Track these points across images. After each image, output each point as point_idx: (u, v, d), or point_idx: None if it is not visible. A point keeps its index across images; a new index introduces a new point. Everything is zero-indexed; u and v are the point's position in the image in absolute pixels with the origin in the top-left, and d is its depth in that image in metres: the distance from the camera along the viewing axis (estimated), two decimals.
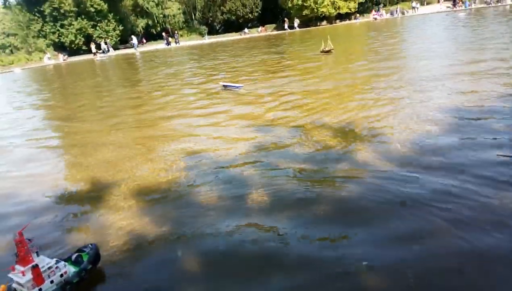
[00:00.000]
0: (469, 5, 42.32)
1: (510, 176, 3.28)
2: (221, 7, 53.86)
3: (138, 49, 43.41)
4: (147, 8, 53.74)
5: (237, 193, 3.66)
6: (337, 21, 48.69)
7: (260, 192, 3.60)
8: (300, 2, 45.18)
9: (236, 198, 3.59)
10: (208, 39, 50.25)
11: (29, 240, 3.57)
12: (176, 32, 50.90)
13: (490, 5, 39.72)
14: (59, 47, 45.14)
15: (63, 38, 45.06)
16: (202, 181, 4.12)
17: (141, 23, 54.70)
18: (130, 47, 45.81)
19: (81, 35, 45.56)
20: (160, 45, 46.55)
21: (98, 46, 44.43)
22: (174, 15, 55.93)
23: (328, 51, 13.89)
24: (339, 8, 45.50)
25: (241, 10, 52.64)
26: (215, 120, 6.84)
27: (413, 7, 49.35)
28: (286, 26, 47.31)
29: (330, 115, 5.93)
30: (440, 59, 10.09)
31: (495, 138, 4.20)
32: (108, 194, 3.99)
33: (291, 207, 3.33)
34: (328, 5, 44.69)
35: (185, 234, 3.17)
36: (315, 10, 45.02)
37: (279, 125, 5.82)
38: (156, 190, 4.02)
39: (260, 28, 49.77)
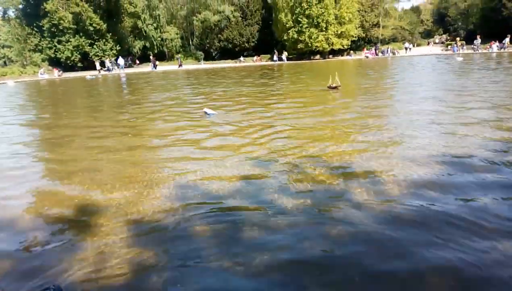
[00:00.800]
0: (457, 50, 44.10)
1: (496, 217, 3.58)
2: (219, 35, 55.18)
3: (123, 70, 43.45)
4: (146, 30, 54.73)
5: (231, 232, 3.82)
6: (330, 56, 50.22)
7: (254, 228, 3.78)
8: (295, 36, 46.58)
9: (230, 235, 3.74)
10: (203, 64, 51.11)
11: None
12: (179, 56, 51.60)
13: (477, 51, 41.42)
14: (55, 62, 45.30)
15: (59, 54, 45.31)
16: (189, 215, 4.22)
17: (138, 44, 55.59)
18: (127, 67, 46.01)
19: (78, 52, 45.89)
20: (147, 68, 46.95)
21: (103, 64, 44.72)
22: (172, 39, 57.02)
23: (335, 88, 13.79)
24: (332, 44, 47.00)
25: (238, 39, 54.01)
26: (205, 151, 6.96)
27: (406, 48, 51.27)
28: (275, 57, 48.45)
29: (324, 150, 6.16)
30: (435, 102, 10.54)
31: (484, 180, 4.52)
32: (85, 225, 4.05)
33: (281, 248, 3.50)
34: (322, 40, 46.14)
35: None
36: (310, 44, 46.42)
37: (272, 159, 5.99)
38: (139, 223, 4.11)
39: (255, 58, 50.92)
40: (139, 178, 5.56)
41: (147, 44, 56.11)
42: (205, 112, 11.19)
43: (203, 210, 4.35)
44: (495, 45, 41.08)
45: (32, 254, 3.62)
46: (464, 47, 45.39)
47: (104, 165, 6.37)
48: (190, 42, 60.47)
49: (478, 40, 42.58)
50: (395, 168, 5.29)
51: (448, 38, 68.52)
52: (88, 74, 39.27)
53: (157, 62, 46.96)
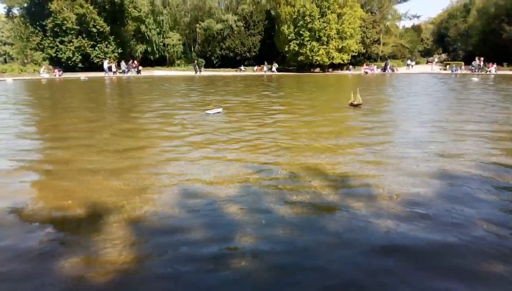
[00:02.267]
0: (455, 70, 44.65)
1: (490, 236, 3.65)
2: (221, 43, 55.54)
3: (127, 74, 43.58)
4: (149, 35, 55.03)
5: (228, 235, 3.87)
6: (330, 70, 50.65)
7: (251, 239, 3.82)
8: (296, 48, 47.02)
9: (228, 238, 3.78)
10: (204, 72, 51.35)
11: None
12: (195, 61, 51.46)
13: (475, 72, 41.94)
14: (55, 62, 45.35)
15: (61, 54, 45.35)
16: (187, 221, 4.27)
17: (140, 48, 55.82)
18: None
19: (79, 53, 45.97)
20: (155, 71, 47.07)
21: (118, 65, 44.89)
22: (173, 45, 57.25)
23: (357, 105, 13.11)
24: (333, 58, 47.45)
25: (240, 49, 54.41)
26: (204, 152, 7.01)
27: (408, 65, 51.91)
28: (265, 68, 48.84)
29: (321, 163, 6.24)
30: (437, 122, 10.68)
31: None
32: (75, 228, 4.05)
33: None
34: (322, 54, 46.59)
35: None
36: (310, 57, 46.84)
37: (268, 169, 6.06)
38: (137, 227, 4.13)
39: (256, 68, 51.26)
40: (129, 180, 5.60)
41: (149, 49, 56.35)
42: (207, 113, 11.83)
43: (194, 214, 4.45)
44: (493, 67, 41.62)
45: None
46: (463, 67, 45.99)
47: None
48: (192, 49, 60.79)
49: (476, 62, 43.16)
50: (391, 184, 5.36)
51: (447, 58, 69.40)
52: (83, 75, 39.25)
53: (140, 67, 46.32)
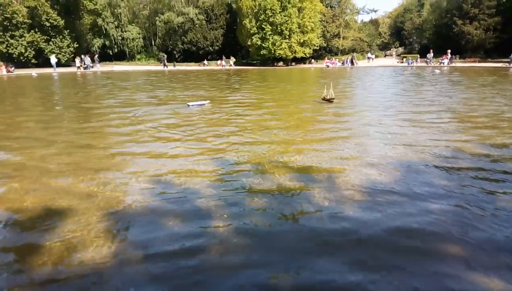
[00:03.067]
0: (411, 63, 46.44)
1: (445, 222, 3.87)
2: (182, 37, 54.67)
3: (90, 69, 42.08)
4: (106, 29, 53.19)
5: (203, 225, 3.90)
6: (293, 63, 51.22)
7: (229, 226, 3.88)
8: (259, 42, 47.11)
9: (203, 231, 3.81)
10: (172, 66, 50.37)
11: None
12: (165, 56, 49.88)
13: (430, 64, 43.80)
14: (7, 58, 42.85)
15: (12, 49, 42.84)
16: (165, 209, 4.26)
17: (97, 42, 53.88)
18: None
19: (32, 49, 43.61)
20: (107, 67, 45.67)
21: (82, 60, 43.15)
22: (133, 39, 55.73)
23: (330, 100, 12.94)
24: (295, 52, 47.99)
25: (202, 42, 53.82)
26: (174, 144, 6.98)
27: (368, 58, 53.43)
28: (223, 63, 48.95)
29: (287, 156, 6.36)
30: (399, 111, 11.07)
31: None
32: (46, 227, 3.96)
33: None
34: (285, 48, 46.98)
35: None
36: (273, 51, 47.11)
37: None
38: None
39: (219, 62, 50.92)
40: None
41: (107, 43, 54.50)
42: (188, 105, 12.23)
43: (168, 207, 4.48)
44: (446, 59, 43.68)
45: None
46: (418, 60, 47.90)
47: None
48: (153, 43, 59.48)
49: (431, 54, 45.11)
50: (353, 174, 5.54)
51: (404, 51, 72.05)
52: (33, 72, 37.42)
53: (92, 63, 44.42)
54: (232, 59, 50.01)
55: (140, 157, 6.94)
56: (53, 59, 40.58)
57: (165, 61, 47.45)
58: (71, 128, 10.02)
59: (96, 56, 47.40)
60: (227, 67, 48.06)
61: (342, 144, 7.59)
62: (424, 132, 8.54)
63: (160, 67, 46.86)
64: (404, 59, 50.06)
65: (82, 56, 44.00)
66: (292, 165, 6.17)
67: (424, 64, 45.13)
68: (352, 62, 48.54)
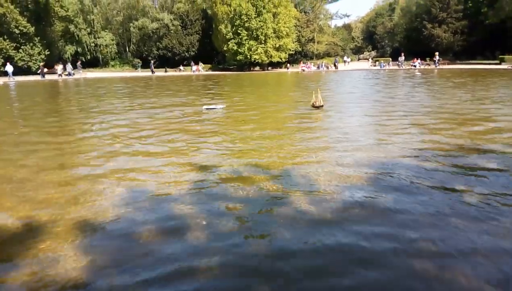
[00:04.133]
0: (384, 66, 47.61)
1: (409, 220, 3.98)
2: (157, 43, 54.25)
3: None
4: (78, 35, 52.13)
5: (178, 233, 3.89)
6: (270, 68, 51.62)
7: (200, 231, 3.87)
8: (235, 48, 47.26)
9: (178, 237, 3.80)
10: (141, 72, 49.86)
11: None
12: (151, 61, 49.48)
13: (401, 67, 45.04)
14: None
15: None
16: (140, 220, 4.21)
17: (70, 49, 52.68)
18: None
19: (1, 56, 42.21)
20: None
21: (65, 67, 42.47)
22: (106, 45, 54.87)
23: (319, 107, 12.37)
24: (271, 56, 48.40)
25: (178, 48, 53.57)
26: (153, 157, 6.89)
27: (345, 61, 54.53)
28: (194, 68, 49.29)
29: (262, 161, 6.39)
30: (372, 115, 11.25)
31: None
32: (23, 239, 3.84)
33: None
34: (261, 53, 47.33)
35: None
36: (249, 56, 47.35)
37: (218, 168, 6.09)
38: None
39: (195, 67, 50.77)
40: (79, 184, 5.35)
41: (79, 50, 53.43)
42: (207, 109, 12.32)
43: (142, 215, 4.43)
44: (417, 62, 45.02)
45: None
46: (390, 63, 49.22)
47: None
48: (127, 49, 58.71)
49: (402, 57, 46.41)
50: (328, 181, 5.65)
51: (376, 54, 73.83)
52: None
53: (45, 70, 42.27)
54: (201, 65, 50.45)
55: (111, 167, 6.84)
56: (8, 67, 38.36)
57: (153, 67, 47.40)
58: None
59: (79, 62, 46.56)
60: (196, 73, 48.22)
61: (332, 154, 7.61)
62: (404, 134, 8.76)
63: (136, 73, 46.29)
64: (377, 62, 51.29)
65: (68, 64, 43.44)
66: (281, 175, 6.21)
67: (396, 67, 46.35)
68: (335, 66, 49.27)
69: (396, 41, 66.97)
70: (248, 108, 14.13)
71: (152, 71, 46.74)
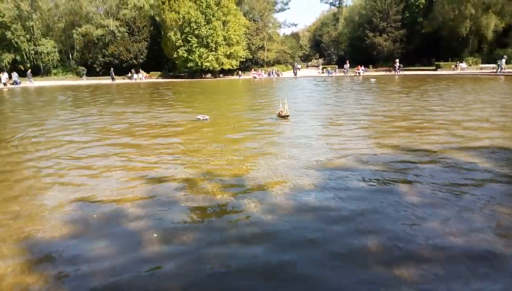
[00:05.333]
0: (331, 73, 49.39)
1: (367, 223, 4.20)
2: (103, 50, 52.41)
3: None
4: (16, 42, 49.00)
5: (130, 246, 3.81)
6: (221, 75, 51.65)
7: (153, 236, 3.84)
8: (185, 55, 46.80)
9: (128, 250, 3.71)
10: (86, 80, 47.82)
11: None
12: (111, 68, 47.11)
13: (347, 74, 47.02)
14: None
15: None
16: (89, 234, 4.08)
17: (7, 58, 49.25)
18: None
19: None
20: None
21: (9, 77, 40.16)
22: (48, 53, 52.09)
23: (285, 117, 11.86)
24: (222, 64, 48.50)
25: (125, 55, 52.11)
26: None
27: (296, 68, 55.87)
28: (134, 76, 48.38)
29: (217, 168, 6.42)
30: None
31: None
32: None
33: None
34: (212, 60, 47.28)
35: None
36: (200, 64, 47.11)
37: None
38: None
39: (145, 75, 49.62)
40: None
41: (18, 58, 50.22)
42: (199, 118, 11.96)
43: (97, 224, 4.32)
44: (361, 69, 47.23)
45: None
46: (337, 70, 51.21)
47: None
48: (70, 57, 56.11)
49: (347, 65, 48.51)
50: (281, 180, 5.83)
51: (323, 62, 76.51)
52: None
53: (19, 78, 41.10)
54: (143, 73, 49.49)
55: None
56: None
57: (113, 74, 45.84)
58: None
59: (29, 71, 43.97)
60: (133, 81, 47.34)
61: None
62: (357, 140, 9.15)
63: (91, 81, 44.32)
64: (324, 69, 53.13)
65: (14, 72, 40.92)
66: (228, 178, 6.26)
67: (342, 74, 48.31)
68: (278, 74, 50.12)
69: (341, 49, 69.89)
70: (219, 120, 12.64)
71: (113, 79, 45.22)
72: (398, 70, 45.61)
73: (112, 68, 47.51)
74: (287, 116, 12.00)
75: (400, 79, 34.62)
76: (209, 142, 8.69)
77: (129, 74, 49.23)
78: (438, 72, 42.29)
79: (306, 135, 9.21)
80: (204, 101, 19.67)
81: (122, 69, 51.07)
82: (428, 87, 23.90)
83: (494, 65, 38.55)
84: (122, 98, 23.08)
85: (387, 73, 46.13)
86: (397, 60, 46.69)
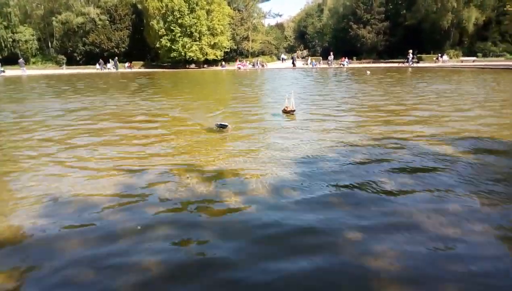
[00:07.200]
0: (315, 64, 49.45)
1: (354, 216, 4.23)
2: (83, 38, 51.18)
3: None
4: None
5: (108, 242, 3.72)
6: (205, 66, 51.14)
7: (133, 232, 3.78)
8: (168, 44, 46.13)
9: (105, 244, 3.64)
10: (66, 70, 46.67)
11: None
12: (115, 58, 46.73)
13: (331, 66, 47.14)
14: None
15: None
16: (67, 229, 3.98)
17: None
18: None
19: None
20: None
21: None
22: (26, 41, 50.57)
23: (290, 112, 11.01)
24: (206, 54, 48.02)
25: (106, 44, 51.02)
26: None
27: (282, 59, 55.74)
28: (109, 65, 47.55)
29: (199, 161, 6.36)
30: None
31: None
32: None
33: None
34: (196, 50, 46.75)
35: None
36: (183, 53, 46.52)
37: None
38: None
39: (127, 64, 48.72)
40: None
41: None
42: (217, 126, 8.99)
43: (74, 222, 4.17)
44: (345, 61, 47.43)
45: None
46: (321, 62, 51.27)
47: None
48: (50, 45, 54.62)
49: (331, 56, 48.57)
50: (264, 171, 5.83)
51: (308, 53, 76.44)
52: None
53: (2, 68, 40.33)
54: (111, 63, 48.22)
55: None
56: None
57: (103, 63, 45.68)
58: None
59: (21, 59, 43.04)
60: (106, 70, 46.56)
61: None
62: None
63: (60, 70, 43.22)
64: (309, 61, 53.15)
65: None
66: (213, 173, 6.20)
67: (326, 65, 48.38)
68: (262, 65, 49.89)
69: (326, 41, 69.85)
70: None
71: (116, 67, 45.67)
72: (411, 62, 42.77)
73: (116, 58, 47.22)
74: (293, 111, 11.10)
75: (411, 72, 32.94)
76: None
77: (97, 64, 46.98)
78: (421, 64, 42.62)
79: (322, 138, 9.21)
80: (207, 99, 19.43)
81: (104, 58, 49.94)
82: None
83: (474, 58, 39.37)
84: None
85: (400, 65, 43.12)
86: (410, 51, 43.13)
